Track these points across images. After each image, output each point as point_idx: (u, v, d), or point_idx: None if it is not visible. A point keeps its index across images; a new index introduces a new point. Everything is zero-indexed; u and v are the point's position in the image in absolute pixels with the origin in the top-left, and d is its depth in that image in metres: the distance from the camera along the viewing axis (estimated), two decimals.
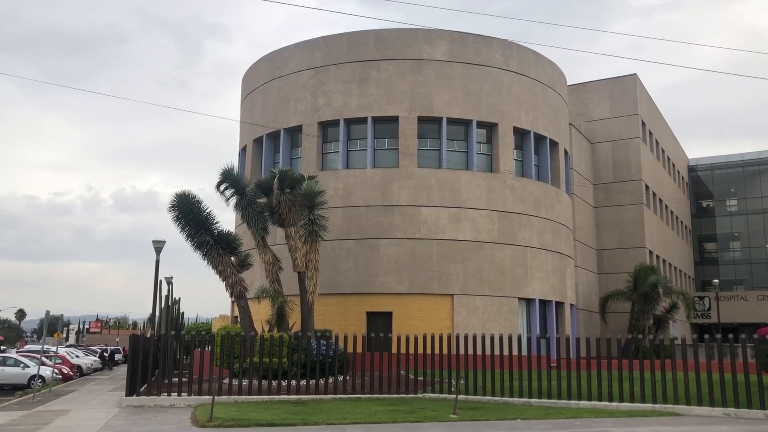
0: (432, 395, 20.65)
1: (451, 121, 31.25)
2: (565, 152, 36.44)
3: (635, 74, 46.79)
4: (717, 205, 65.07)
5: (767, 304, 52.90)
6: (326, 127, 32.14)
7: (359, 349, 22.67)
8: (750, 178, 63.82)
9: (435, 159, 31.14)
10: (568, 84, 38.94)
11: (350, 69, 31.66)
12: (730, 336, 19.14)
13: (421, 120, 30.98)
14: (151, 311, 32.25)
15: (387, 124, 31.26)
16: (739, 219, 63.59)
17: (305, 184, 26.14)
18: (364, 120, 31.15)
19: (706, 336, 19.54)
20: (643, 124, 46.94)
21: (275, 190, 26.50)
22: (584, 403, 18.73)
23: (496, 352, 20.83)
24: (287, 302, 26.00)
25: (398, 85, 31.11)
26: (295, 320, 26.41)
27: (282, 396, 19.84)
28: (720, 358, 18.63)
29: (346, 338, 21.79)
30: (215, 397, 17.11)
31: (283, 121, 32.94)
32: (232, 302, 32.07)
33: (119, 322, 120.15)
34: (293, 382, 20.58)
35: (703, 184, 65.37)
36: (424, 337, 21.64)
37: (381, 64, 31.37)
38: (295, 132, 32.93)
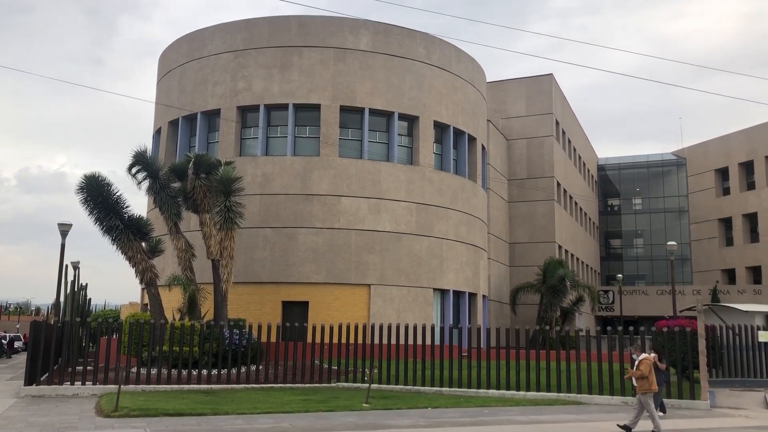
0: (346, 384, 20.73)
1: (374, 112, 31.32)
2: (483, 148, 37.25)
3: (551, 74, 48.29)
4: (623, 203, 68.22)
5: (666, 299, 55.97)
6: (246, 112, 31.55)
7: (274, 339, 22.47)
8: (654, 179, 67.22)
9: (356, 149, 31.15)
10: (487, 81, 39.76)
11: (272, 54, 31.17)
12: (631, 328, 20.15)
13: (344, 109, 30.90)
14: (55, 297, 30.82)
15: (309, 112, 31.00)
16: (643, 217, 66.91)
17: (222, 169, 25.56)
18: (285, 107, 30.77)
19: (609, 328, 20.50)
20: (557, 123, 48.55)
21: (190, 175, 25.81)
22: (493, 392, 19.30)
23: (410, 341, 21.15)
24: (200, 290, 25.42)
25: (321, 73, 30.88)
26: (208, 309, 25.87)
27: (192, 385, 19.44)
28: (621, 350, 19.59)
29: (260, 327, 21.54)
30: (122, 386, 16.55)
31: (201, 103, 32.09)
32: (143, 289, 31.08)
33: (20, 308, 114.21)
34: (204, 372, 20.18)
35: (611, 183, 68.36)
36: (340, 327, 21.69)
37: (304, 51, 31.04)
38: (213, 116, 32.15)
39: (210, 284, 25.98)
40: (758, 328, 23.79)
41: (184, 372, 20.02)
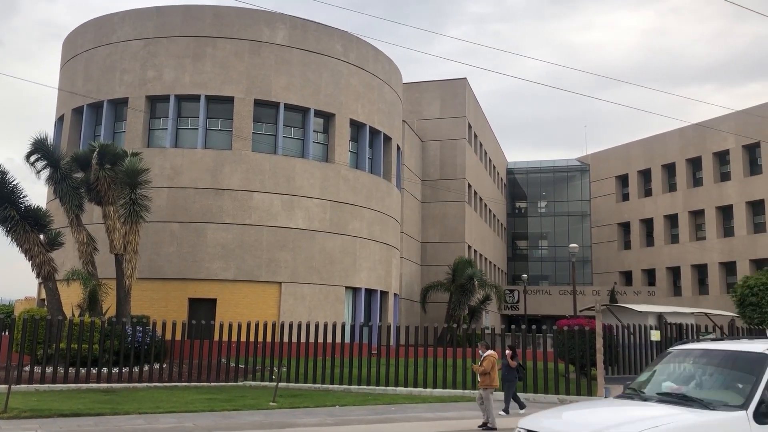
0: (253, 383, 20.45)
1: (289, 108, 30.99)
2: (398, 148, 37.59)
3: (465, 78, 49.28)
4: (529, 206, 70.60)
5: (567, 298, 58.30)
6: (155, 101, 30.50)
7: (179, 337, 21.85)
8: (559, 183, 69.91)
9: (270, 144, 30.73)
10: (403, 82, 40.16)
11: (184, 43, 30.28)
12: (534, 327, 20.88)
13: (258, 103, 30.42)
14: None
15: (221, 105, 30.32)
16: (548, 220, 69.48)
17: (128, 160, 24.58)
18: (197, 98, 29.96)
19: (513, 326, 21.14)
20: (470, 126, 49.63)
21: (94, 165, 24.69)
22: (401, 389, 19.52)
23: (321, 339, 21.09)
24: (102, 286, 24.35)
25: (235, 65, 30.27)
26: (110, 305, 24.83)
27: (91, 384, 18.64)
28: (524, 347, 20.26)
29: (165, 325, 20.90)
30: (13, 385, 15.63)
31: (108, 91, 30.77)
32: (40, 284, 29.52)
33: None
34: (104, 370, 19.40)
35: (519, 186, 70.58)
36: (249, 325, 21.36)
37: (218, 42, 30.33)
38: (120, 104, 30.89)
39: (113, 279, 24.96)
40: (651, 328, 25.17)
41: (83, 371, 19.18)
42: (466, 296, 39.82)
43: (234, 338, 21.33)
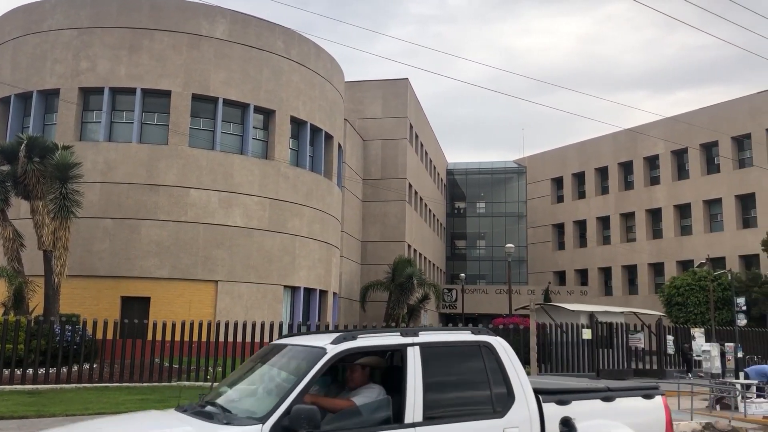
0: (188, 383, 20.06)
1: (228, 103, 30.51)
2: (339, 146, 37.52)
3: (407, 79, 49.63)
4: (468, 206, 71.69)
5: (504, 297, 59.40)
6: (88, 94, 29.52)
7: (111, 336, 21.24)
8: (497, 185, 71.23)
9: (208, 140, 30.18)
10: (345, 80, 40.12)
11: (120, 35, 29.41)
12: (470, 325, 21.19)
13: (196, 98, 29.82)
14: None
15: (158, 98, 29.59)
16: (486, 220, 70.69)
17: (59, 154, 23.70)
18: (132, 91, 29.15)
19: (450, 325, 21.41)
20: (411, 126, 50.00)
21: (22, 158, 23.68)
22: None
23: (258, 339, 20.88)
24: (29, 283, 23.45)
25: (173, 58, 29.59)
26: (37, 303, 23.91)
27: (16, 386, 17.89)
28: None
29: (96, 324, 20.27)
30: None
31: (38, 82, 29.60)
32: None
33: None
34: (30, 371, 18.66)
35: (458, 187, 71.56)
36: (183, 324, 20.96)
37: (155, 34, 29.58)
38: (51, 95, 29.76)
39: (41, 277, 24.02)
40: (583, 326, 25.97)
41: (6, 371, 18.40)
42: (406, 295, 40.10)
43: (168, 338, 20.89)
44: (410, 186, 49.32)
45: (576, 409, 6.08)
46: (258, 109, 31.37)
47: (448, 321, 57.63)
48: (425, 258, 55.62)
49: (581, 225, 64.89)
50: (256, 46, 31.47)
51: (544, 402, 5.98)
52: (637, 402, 6.69)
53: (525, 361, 20.41)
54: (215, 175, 29.62)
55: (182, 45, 29.76)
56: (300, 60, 33.25)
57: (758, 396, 17.86)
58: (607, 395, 6.45)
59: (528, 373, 16.09)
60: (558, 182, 67.93)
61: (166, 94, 29.40)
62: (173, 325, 20.81)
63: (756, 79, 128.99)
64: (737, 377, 20.91)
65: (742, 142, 51.96)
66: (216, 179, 29.61)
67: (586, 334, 25.81)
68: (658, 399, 6.87)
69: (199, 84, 29.78)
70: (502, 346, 5.99)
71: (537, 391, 6.01)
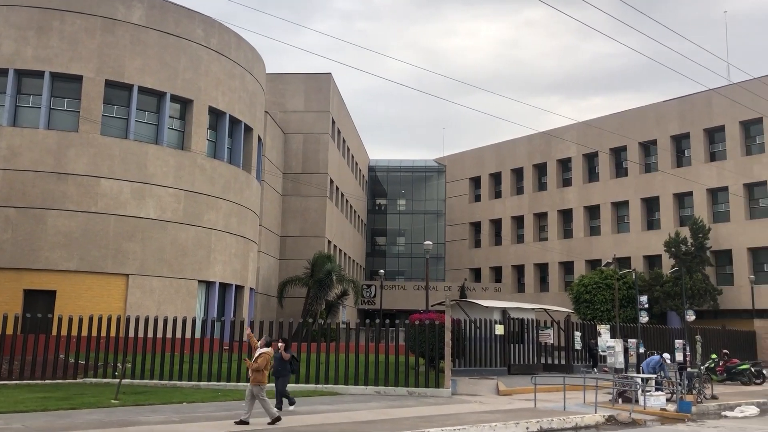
0: (95, 380, 19.36)
1: (144, 91, 29.49)
2: (259, 139, 36.96)
3: (330, 74, 49.43)
4: (389, 203, 72.21)
5: (421, 293, 60.17)
6: None
7: (11, 331, 20.15)
8: (417, 182, 72.08)
9: (122, 128, 29.08)
10: (267, 72, 39.54)
11: (27, 14, 27.90)
12: (387, 321, 21.37)
13: (110, 84, 28.68)
14: None
15: (68, 83, 28.27)
16: (406, 217, 71.41)
17: None
18: (40, 74, 27.73)
19: (368, 321, 21.51)
20: (334, 122, 49.85)
21: None
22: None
23: (170, 335, 20.33)
24: None
25: (85, 42, 28.33)
26: None
27: None
28: (377, 342, 20.69)
29: None
30: None
31: None
32: None
33: None
34: None
35: (380, 184, 71.96)
36: (91, 319, 20.16)
37: (66, 16, 28.23)
38: None
39: None
40: (496, 322, 26.63)
41: None
42: (324, 291, 40.00)
43: (75, 333, 20.04)
44: (331, 182, 49.19)
45: None
46: (175, 98, 30.48)
47: (367, 317, 57.84)
48: (345, 254, 55.64)
49: (497, 224, 66.59)
50: (175, 34, 30.56)
51: None
52: None
53: (440, 357, 20.76)
54: (128, 164, 28.59)
55: (96, 29, 28.54)
56: (220, 49, 32.53)
57: (657, 390, 18.87)
58: None
59: (442, 370, 16.12)
60: (476, 182, 69.44)
61: (78, 79, 28.12)
62: (80, 320, 19.98)
63: (663, 87, 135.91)
64: (638, 372, 22.04)
65: (648, 148, 54.65)
66: (129, 169, 28.58)
67: (499, 329, 26.50)
68: None
69: (113, 70, 28.64)
70: None
71: None
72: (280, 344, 15.15)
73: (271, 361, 14.01)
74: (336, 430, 12.77)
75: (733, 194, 48.61)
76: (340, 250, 53.41)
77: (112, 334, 20.16)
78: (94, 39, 28.47)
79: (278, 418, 13.16)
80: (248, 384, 13.32)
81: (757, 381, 27.69)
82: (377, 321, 21.72)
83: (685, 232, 47.88)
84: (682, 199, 52.43)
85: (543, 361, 28.77)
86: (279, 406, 14.83)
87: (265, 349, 13.59)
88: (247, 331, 14.78)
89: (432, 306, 32.17)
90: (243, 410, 13.31)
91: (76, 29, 28.27)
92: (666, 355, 21.50)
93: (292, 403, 15.36)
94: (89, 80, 28.15)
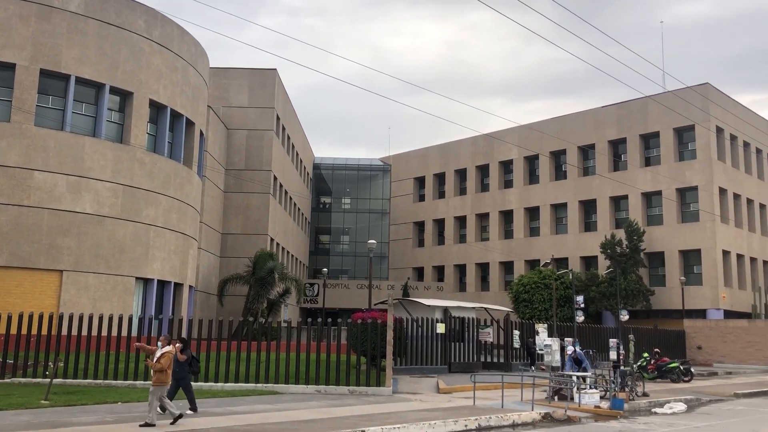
0: (24, 380, 18.68)
1: (81, 82, 28.58)
2: (201, 134, 36.31)
3: (275, 69, 48.92)
4: (334, 201, 71.99)
5: (365, 292, 60.25)
6: None
7: None
8: (362, 181, 72.07)
9: (57, 120, 28.11)
10: (210, 66, 38.87)
11: None
12: (330, 320, 21.31)
13: (45, 74, 27.67)
14: None
15: (0, 71, 27.13)
16: (350, 216, 71.34)
17: None
18: None
19: (309, 319, 21.40)
20: (278, 118, 49.36)
21: None
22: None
23: (105, 333, 19.79)
24: None
25: (19, 29, 27.26)
26: None
27: None
28: (318, 340, 20.61)
29: None
30: None
31: None
32: None
33: None
34: None
35: (324, 182, 71.67)
36: (21, 316, 19.42)
37: None
38: None
39: None
40: (437, 321, 26.90)
41: None
42: (266, 289, 39.58)
43: (3, 331, 19.27)
44: (275, 178, 48.71)
45: None
46: (114, 90, 29.65)
47: (309, 316, 57.53)
48: (288, 252, 55.19)
49: (440, 223, 67.26)
50: (115, 24, 29.73)
51: None
52: None
53: (381, 355, 20.84)
54: (63, 157, 27.66)
55: (30, 15, 27.50)
56: (162, 42, 31.81)
57: (591, 387, 19.42)
58: None
59: (383, 368, 16.03)
60: (420, 182, 69.96)
61: (10, 67, 27.05)
62: (9, 317, 19.23)
63: (602, 93, 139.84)
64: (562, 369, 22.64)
65: (586, 152, 56.15)
66: (64, 162, 27.66)
67: (440, 328, 26.77)
68: None
69: (48, 59, 27.66)
70: None
71: None
72: (177, 345, 14.46)
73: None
74: (276, 429, 12.66)
75: (666, 198, 50.44)
76: (283, 248, 52.96)
77: (44, 332, 19.48)
78: (29, 26, 27.43)
79: (153, 425, 12.61)
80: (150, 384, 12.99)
81: (686, 378, 28.84)
82: (319, 320, 21.64)
83: (621, 234, 49.41)
84: (618, 202, 54.09)
85: (483, 359, 29.23)
86: (194, 408, 14.48)
87: (167, 349, 13.25)
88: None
89: (375, 305, 32.24)
90: (147, 413, 12.77)
91: (9, 15, 27.18)
92: (569, 348, 22.43)
93: (181, 411, 14.02)
94: (23, 68, 27.11)
